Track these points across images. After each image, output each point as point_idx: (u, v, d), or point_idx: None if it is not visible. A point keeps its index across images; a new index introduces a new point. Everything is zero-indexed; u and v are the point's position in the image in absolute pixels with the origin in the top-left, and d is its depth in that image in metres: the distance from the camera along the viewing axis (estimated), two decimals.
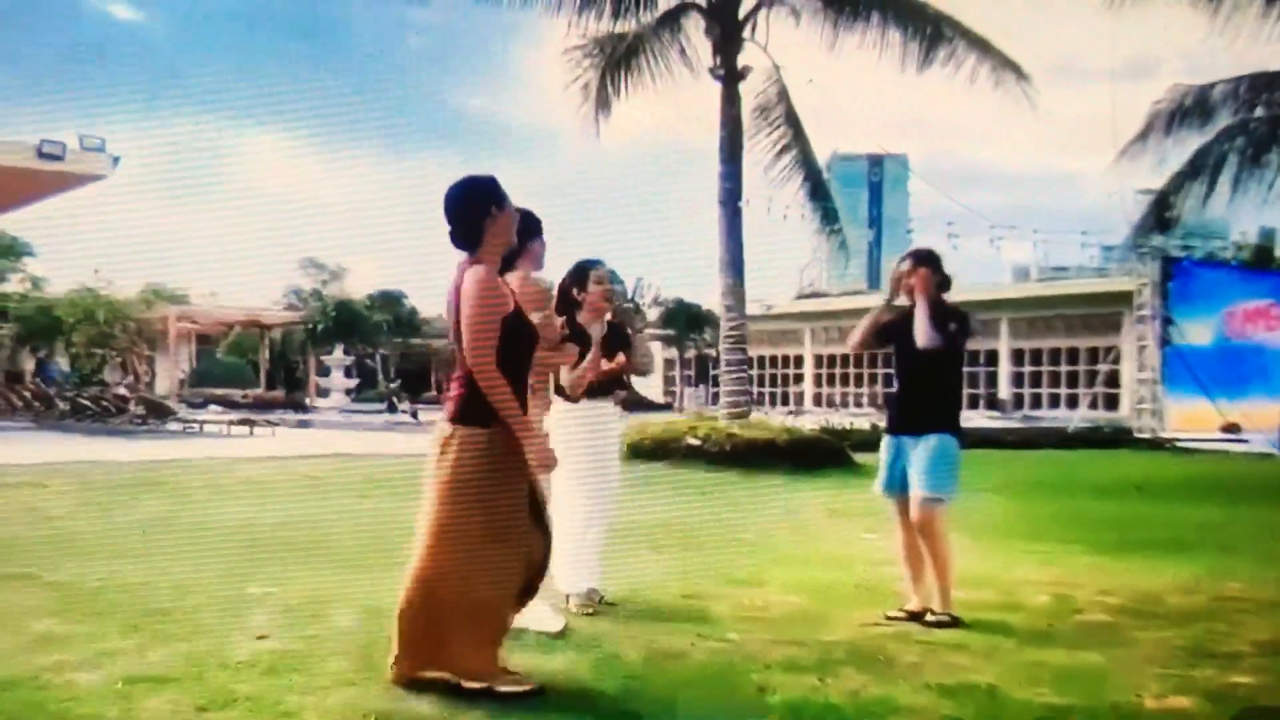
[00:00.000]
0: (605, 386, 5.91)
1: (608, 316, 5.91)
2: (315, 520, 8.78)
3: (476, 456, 4.16)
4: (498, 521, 4.18)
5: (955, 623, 5.49)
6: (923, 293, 5.74)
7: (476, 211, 4.27)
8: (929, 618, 5.56)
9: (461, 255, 4.32)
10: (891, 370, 6.09)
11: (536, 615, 4.99)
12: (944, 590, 5.64)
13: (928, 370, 5.79)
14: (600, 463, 5.81)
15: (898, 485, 5.81)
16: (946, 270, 5.93)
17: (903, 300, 5.87)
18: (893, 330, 5.91)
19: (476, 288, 4.15)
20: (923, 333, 5.69)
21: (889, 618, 5.65)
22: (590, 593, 5.76)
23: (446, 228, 4.35)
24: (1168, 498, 12.78)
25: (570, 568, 5.64)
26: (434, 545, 4.19)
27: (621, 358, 5.88)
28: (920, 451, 5.70)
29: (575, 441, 5.62)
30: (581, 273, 5.88)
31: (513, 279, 4.64)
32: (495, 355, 4.12)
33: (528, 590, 4.39)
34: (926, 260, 5.89)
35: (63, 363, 44.51)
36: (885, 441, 5.91)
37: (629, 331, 6.14)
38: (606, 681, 4.44)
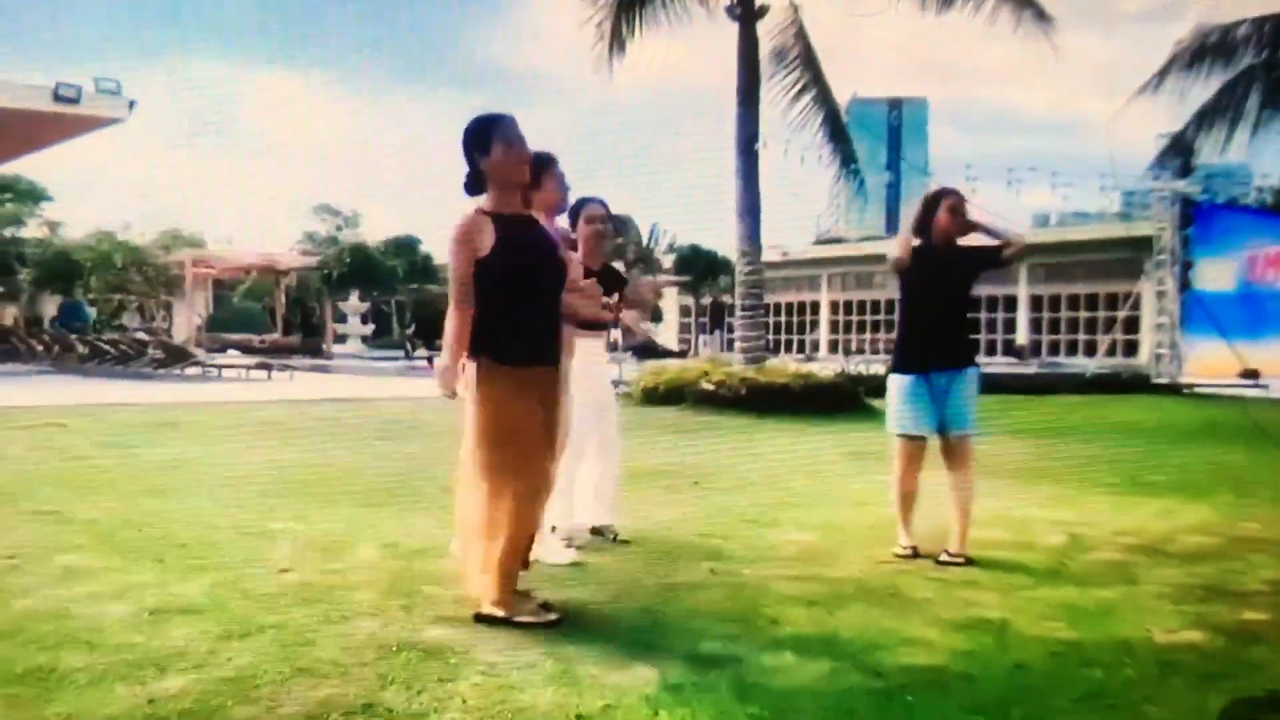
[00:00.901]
0: (592, 324, 5.77)
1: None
2: (335, 461, 8.87)
3: (487, 386, 4.30)
4: (507, 450, 4.29)
5: (970, 562, 5.53)
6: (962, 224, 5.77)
7: (471, 154, 4.37)
8: (944, 557, 5.58)
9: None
10: (904, 311, 5.96)
11: (546, 546, 5.16)
12: (965, 530, 5.66)
13: (961, 305, 5.83)
14: (592, 400, 5.82)
15: (933, 423, 5.76)
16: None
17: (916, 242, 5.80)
18: (924, 265, 5.76)
19: (453, 238, 4.31)
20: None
21: (897, 555, 5.70)
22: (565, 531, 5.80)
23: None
24: (1184, 442, 12.77)
25: (560, 503, 5.72)
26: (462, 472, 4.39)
27: (614, 301, 5.85)
28: (962, 386, 5.71)
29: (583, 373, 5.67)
30: (575, 211, 5.86)
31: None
32: (461, 292, 4.28)
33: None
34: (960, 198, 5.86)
35: (91, 310, 44.54)
36: (911, 381, 5.75)
37: (621, 275, 6.19)
38: (623, 612, 4.52)
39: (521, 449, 4.32)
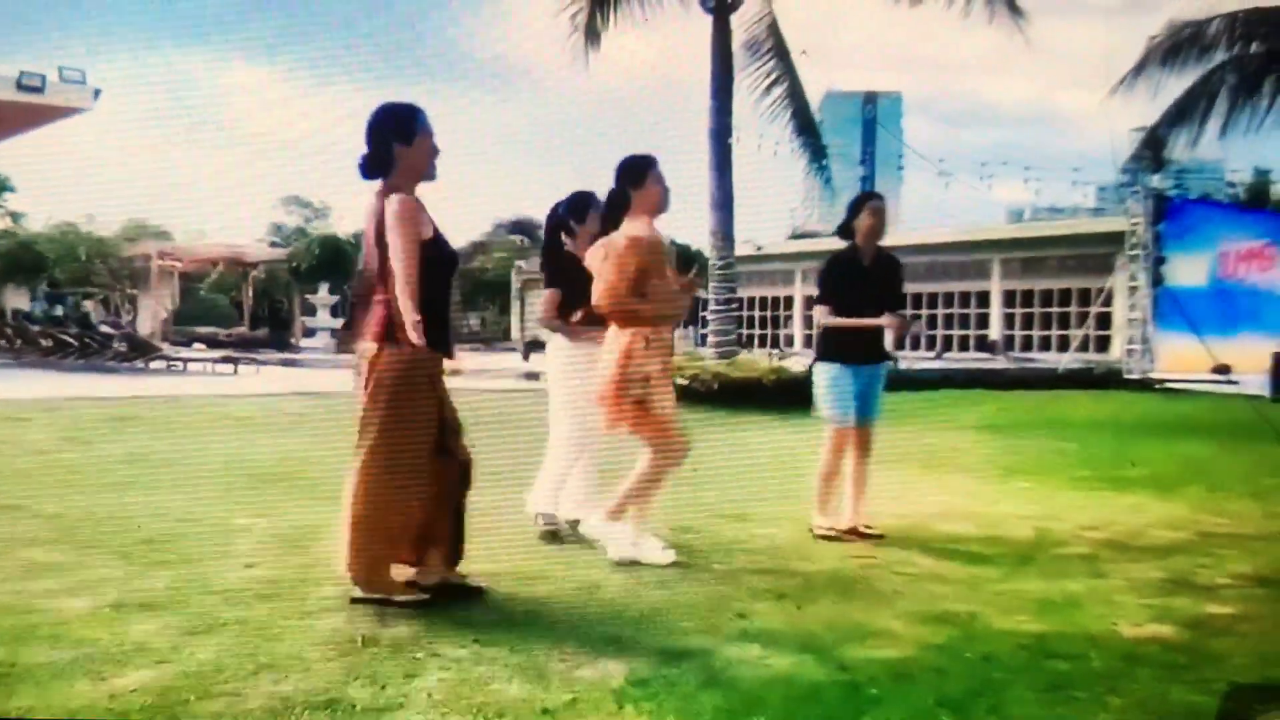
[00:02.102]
0: (595, 322, 5.87)
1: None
2: (300, 455, 8.80)
3: (396, 374, 4.38)
4: (402, 438, 4.40)
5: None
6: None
7: (386, 139, 4.43)
8: (867, 530, 6.05)
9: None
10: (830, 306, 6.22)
11: (647, 548, 5.28)
12: (863, 505, 6.16)
13: (882, 304, 6.13)
14: (590, 397, 5.82)
15: (855, 412, 6.11)
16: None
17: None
18: (854, 266, 6.21)
19: (401, 214, 4.34)
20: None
21: (820, 536, 6.00)
22: (548, 517, 5.90)
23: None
24: (1156, 437, 12.84)
25: (549, 491, 5.86)
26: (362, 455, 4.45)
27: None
28: (879, 380, 6.19)
29: (570, 375, 5.79)
30: (581, 205, 5.83)
31: (637, 228, 5.25)
32: (413, 271, 4.31)
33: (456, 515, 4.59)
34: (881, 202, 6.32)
35: (91, 307, 43.83)
36: (843, 371, 6.10)
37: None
38: (590, 606, 4.50)
39: (417, 437, 4.40)
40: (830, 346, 6.19)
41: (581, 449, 5.88)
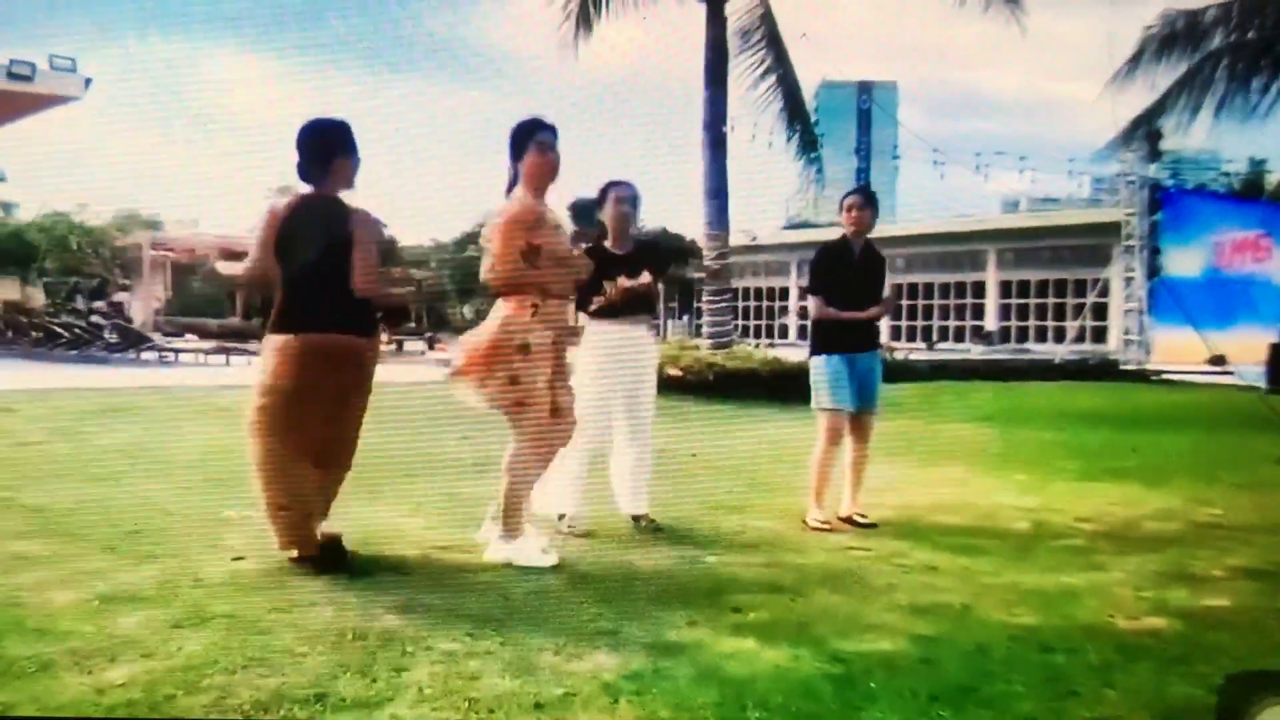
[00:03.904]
0: (634, 307, 5.85)
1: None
2: None
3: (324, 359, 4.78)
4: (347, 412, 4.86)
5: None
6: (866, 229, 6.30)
7: (328, 151, 4.85)
8: (861, 519, 6.12)
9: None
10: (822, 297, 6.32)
11: (526, 551, 5.03)
12: (860, 495, 6.26)
13: (872, 295, 6.30)
14: (632, 387, 5.83)
15: (855, 400, 6.17)
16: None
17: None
18: (843, 256, 6.30)
19: (368, 221, 4.81)
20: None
21: (815, 528, 5.99)
22: (568, 519, 5.80)
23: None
24: (1151, 428, 12.83)
25: (572, 491, 5.76)
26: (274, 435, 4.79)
27: (645, 276, 5.82)
28: (875, 367, 6.27)
29: (607, 364, 5.76)
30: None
31: (514, 203, 5.09)
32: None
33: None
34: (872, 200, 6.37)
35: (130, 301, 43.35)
36: (837, 361, 6.16)
37: (661, 252, 6.22)
38: (583, 599, 4.47)
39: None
40: (827, 338, 6.24)
41: (599, 442, 5.89)
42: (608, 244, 5.94)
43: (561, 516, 5.74)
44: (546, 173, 5.16)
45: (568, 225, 5.36)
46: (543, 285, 5.08)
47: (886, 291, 6.48)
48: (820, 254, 6.40)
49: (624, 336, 5.81)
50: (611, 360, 5.75)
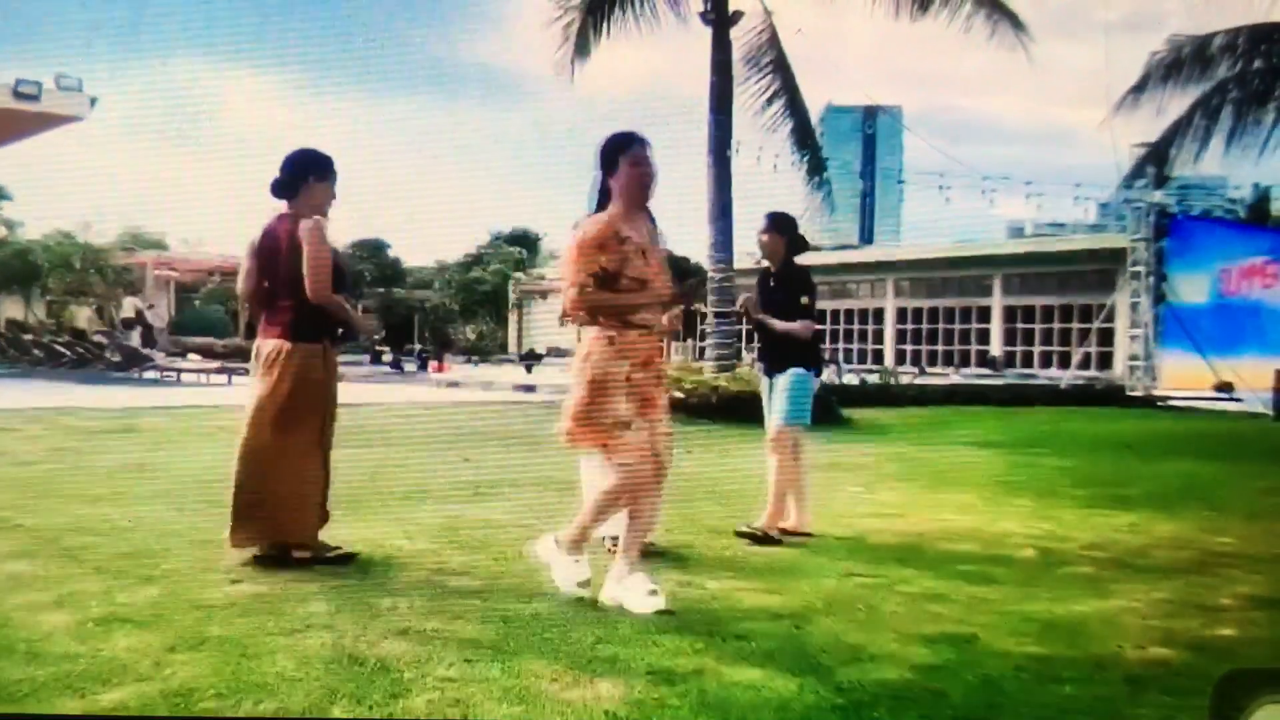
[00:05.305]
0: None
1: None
2: None
3: (304, 366, 5.29)
4: (313, 418, 5.33)
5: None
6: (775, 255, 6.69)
7: (299, 174, 5.37)
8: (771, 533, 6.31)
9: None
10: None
11: (633, 590, 4.73)
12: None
13: (789, 317, 6.61)
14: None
15: (770, 415, 6.66)
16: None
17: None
18: (763, 281, 6.82)
19: (316, 235, 5.30)
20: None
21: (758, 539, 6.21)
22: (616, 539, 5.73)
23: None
24: (1158, 455, 12.77)
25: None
26: (265, 432, 5.28)
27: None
28: (784, 385, 6.60)
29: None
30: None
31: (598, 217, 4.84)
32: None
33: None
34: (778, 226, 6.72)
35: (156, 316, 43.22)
36: (764, 379, 6.82)
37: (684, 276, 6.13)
38: (583, 625, 4.40)
39: (322, 419, 5.44)
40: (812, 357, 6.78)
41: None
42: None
43: (614, 539, 5.71)
44: (641, 187, 4.89)
45: (659, 243, 5.01)
46: (621, 313, 4.80)
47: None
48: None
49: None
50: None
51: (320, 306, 5.31)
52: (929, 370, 34.30)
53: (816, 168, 19.72)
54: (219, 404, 15.28)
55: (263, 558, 5.24)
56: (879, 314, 45.82)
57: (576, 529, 4.92)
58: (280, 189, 5.42)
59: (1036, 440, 14.24)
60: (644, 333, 4.86)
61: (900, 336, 44.97)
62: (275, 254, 5.35)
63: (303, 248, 5.27)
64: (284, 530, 5.27)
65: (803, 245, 6.75)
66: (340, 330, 5.51)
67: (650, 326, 4.90)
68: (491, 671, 3.75)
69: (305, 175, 5.38)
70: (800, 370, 6.58)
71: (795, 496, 6.47)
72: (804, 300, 6.62)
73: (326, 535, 5.46)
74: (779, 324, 6.55)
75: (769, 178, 20.00)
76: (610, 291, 4.78)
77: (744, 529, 6.31)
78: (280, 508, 5.24)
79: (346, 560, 5.32)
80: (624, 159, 4.85)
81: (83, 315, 42.79)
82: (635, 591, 4.69)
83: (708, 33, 18.18)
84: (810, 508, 6.56)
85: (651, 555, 5.74)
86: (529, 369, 33.49)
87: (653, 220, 5.04)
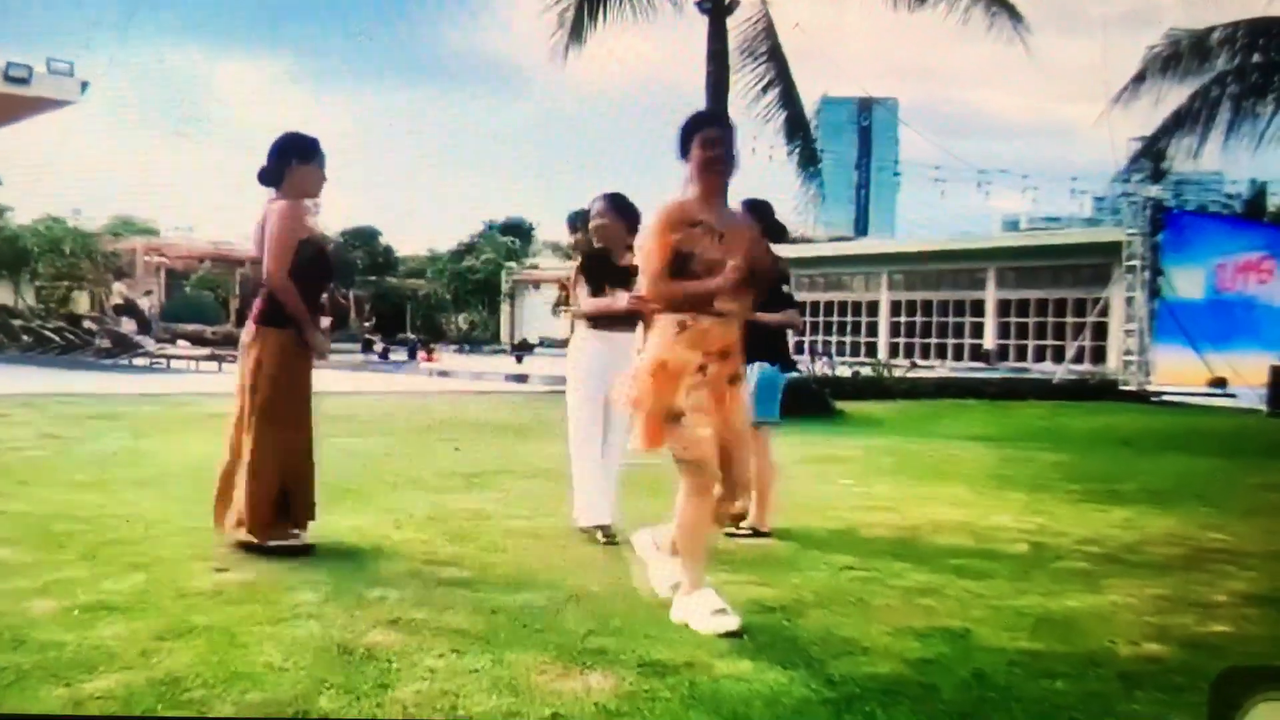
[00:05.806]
0: (627, 319, 5.83)
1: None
2: None
3: (275, 351, 5.31)
4: (287, 404, 5.35)
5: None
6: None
7: (283, 158, 5.36)
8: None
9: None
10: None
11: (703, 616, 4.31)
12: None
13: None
14: (602, 396, 5.74)
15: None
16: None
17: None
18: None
19: (281, 217, 5.28)
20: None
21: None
22: (606, 528, 5.85)
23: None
24: (1152, 450, 12.78)
25: (595, 499, 5.84)
26: (236, 416, 5.35)
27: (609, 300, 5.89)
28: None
29: (593, 369, 5.85)
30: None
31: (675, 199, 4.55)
32: (289, 269, 5.27)
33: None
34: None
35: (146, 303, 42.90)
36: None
37: (620, 265, 6.05)
38: (573, 617, 4.38)
39: (300, 403, 5.50)
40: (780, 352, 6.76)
41: (579, 451, 5.91)
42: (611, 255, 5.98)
43: (603, 528, 5.84)
44: (711, 169, 4.55)
45: (740, 225, 4.63)
46: (696, 301, 4.38)
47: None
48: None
49: (611, 346, 5.84)
50: (599, 369, 5.74)
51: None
52: (920, 364, 34.29)
53: (811, 159, 19.68)
54: (208, 391, 15.28)
55: (250, 546, 5.19)
56: (873, 307, 45.88)
57: (669, 540, 4.59)
58: (266, 175, 5.43)
59: (1030, 434, 14.24)
60: (717, 321, 4.42)
61: (894, 329, 44.98)
62: (260, 240, 5.40)
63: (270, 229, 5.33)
64: (240, 516, 5.27)
65: (781, 233, 6.63)
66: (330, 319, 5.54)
67: (724, 315, 4.43)
68: (481, 662, 3.72)
69: (289, 159, 5.38)
70: (767, 365, 6.45)
71: (758, 493, 6.23)
72: (784, 289, 6.56)
73: (316, 524, 5.43)
74: (769, 317, 6.20)
75: (764, 168, 19.94)
76: (686, 276, 4.37)
77: (731, 531, 6.11)
78: (237, 493, 5.29)
79: (305, 551, 5.25)
80: (696, 140, 4.56)
81: (81, 302, 42.74)
82: (699, 611, 4.30)
83: (704, 21, 18.11)
84: (772, 507, 6.38)
85: (614, 542, 5.76)
86: (519, 359, 33.50)
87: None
